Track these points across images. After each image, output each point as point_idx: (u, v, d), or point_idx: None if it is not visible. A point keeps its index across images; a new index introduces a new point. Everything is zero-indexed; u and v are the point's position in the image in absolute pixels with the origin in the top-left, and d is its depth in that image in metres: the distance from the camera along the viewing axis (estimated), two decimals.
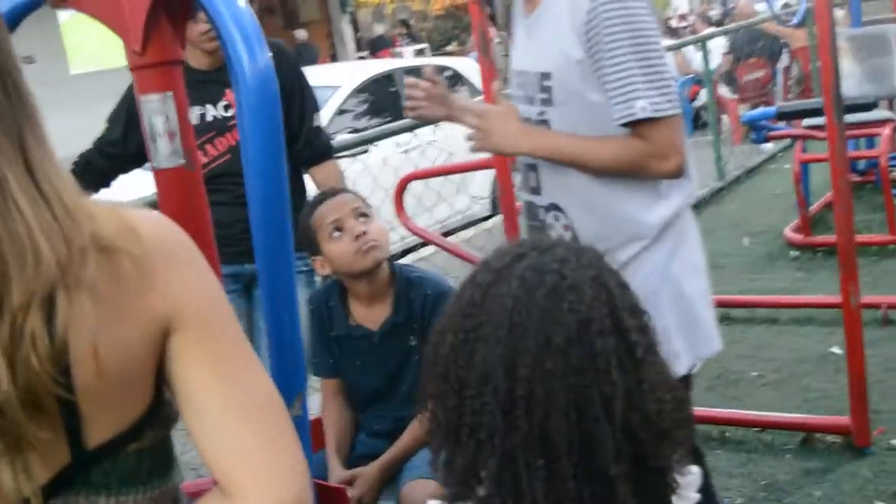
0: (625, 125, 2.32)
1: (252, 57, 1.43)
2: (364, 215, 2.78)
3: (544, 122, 2.47)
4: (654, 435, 1.26)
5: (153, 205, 3.24)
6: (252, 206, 1.50)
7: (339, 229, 2.75)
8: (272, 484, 1.12)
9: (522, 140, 2.46)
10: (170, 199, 1.60)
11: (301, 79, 3.32)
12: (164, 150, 1.56)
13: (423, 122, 2.88)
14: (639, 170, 2.37)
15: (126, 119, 3.20)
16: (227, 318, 1.17)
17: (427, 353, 1.38)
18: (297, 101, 3.24)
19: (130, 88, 3.17)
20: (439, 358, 1.33)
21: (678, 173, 2.39)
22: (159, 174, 1.58)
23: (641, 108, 2.27)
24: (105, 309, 1.04)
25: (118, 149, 3.25)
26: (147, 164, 1.63)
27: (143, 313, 1.08)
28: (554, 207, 2.53)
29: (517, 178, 2.91)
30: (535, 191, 2.58)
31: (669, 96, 2.32)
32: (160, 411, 1.14)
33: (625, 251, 2.40)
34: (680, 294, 2.45)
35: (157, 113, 1.54)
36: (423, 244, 5.89)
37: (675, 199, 2.47)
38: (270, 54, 1.48)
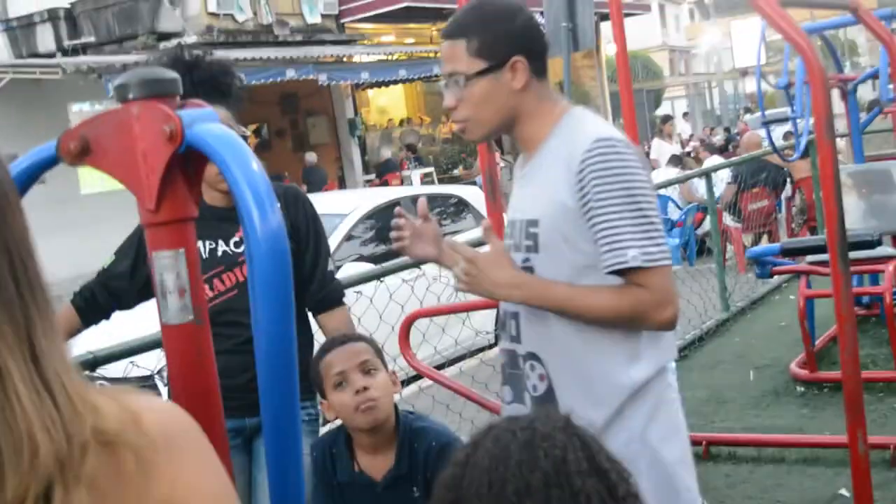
0: (616, 272, 2.32)
1: (264, 219, 1.44)
2: (371, 369, 2.78)
3: (528, 270, 2.46)
4: None
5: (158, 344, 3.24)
6: (260, 366, 1.49)
7: (342, 381, 2.76)
8: None
9: (515, 288, 2.42)
10: (177, 353, 1.59)
11: (317, 224, 3.33)
12: (174, 307, 1.56)
13: (409, 258, 2.85)
14: (637, 318, 2.36)
15: (135, 254, 3.21)
16: None
17: None
18: (311, 245, 3.25)
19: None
20: None
21: (673, 322, 2.39)
22: (168, 329, 1.57)
23: (633, 256, 2.28)
24: (102, 503, 1.02)
25: (124, 283, 3.24)
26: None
27: None
28: (532, 357, 2.51)
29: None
30: (515, 339, 2.56)
31: (661, 247, 2.34)
32: None
33: (599, 412, 2.37)
34: (658, 461, 2.41)
35: (169, 270, 1.55)
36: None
37: (651, 362, 2.45)
38: (280, 208, 1.49)
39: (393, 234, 2.74)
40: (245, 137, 3.09)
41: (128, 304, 3.31)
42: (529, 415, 1.40)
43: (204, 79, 2.97)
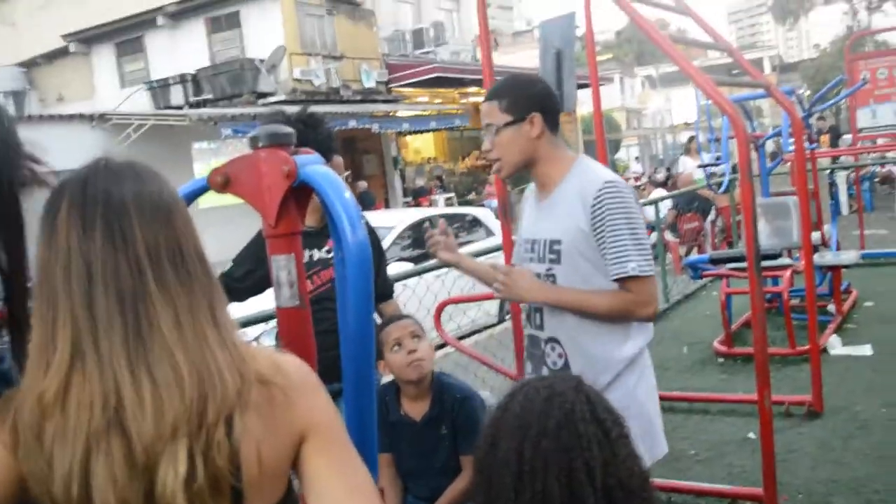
0: (617, 280, 2.35)
1: (354, 233, 1.47)
2: (417, 337, 2.81)
3: (550, 276, 2.49)
4: (626, 495, 1.29)
5: (268, 318, 3.24)
6: (346, 339, 1.52)
7: (398, 345, 2.79)
8: None
9: (538, 292, 2.47)
10: (288, 328, 1.62)
11: (377, 241, 3.35)
12: (286, 295, 1.59)
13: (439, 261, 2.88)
14: (626, 315, 2.40)
15: (249, 262, 3.21)
16: (341, 428, 1.20)
17: (474, 458, 1.41)
18: (375, 256, 3.22)
19: (256, 237, 3.19)
20: (476, 461, 1.40)
21: (653, 317, 2.44)
22: (281, 311, 1.61)
23: (632, 267, 2.32)
24: (263, 424, 1.08)
25: (239, 283, 3.21)
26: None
27: (287, 427, 1.12)
28: (552, 340, 2.54)
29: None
30: (539, 327, 2.58)
31: (650, 262, 2.37)
32: (291, 494, 1.17)
33: (603, 377, 2.41)
34: (643, 411, 2.47)
35: (283, 269, 1.58)
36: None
37: (638, 341, 2.49)
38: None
39: (429, 240, 2.77)
40: (346, 179, 3.14)
41: (240, 298, 3.26)
42: (551, 377, 1.43)
43: (323, 137, 3.00)
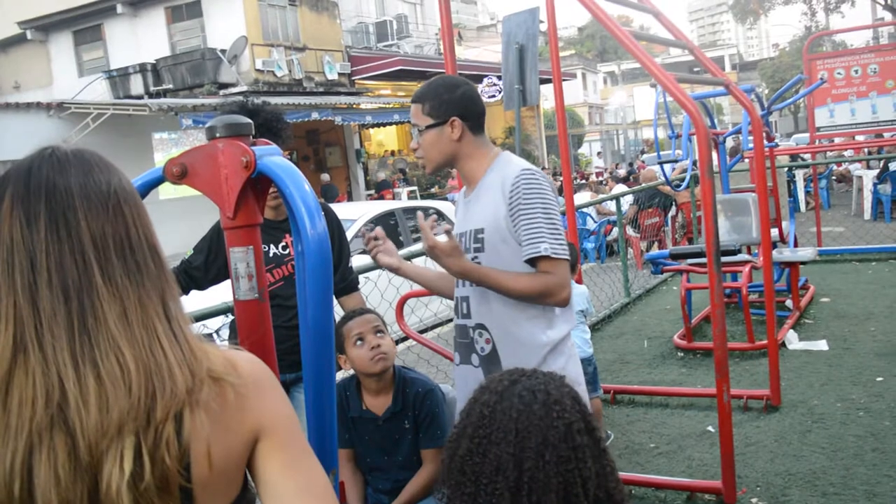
0: (530, 261, 2.45)
1: (313, 226, 1.44)
2: (380, 332, 2.79)
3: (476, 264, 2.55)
4: None
5: (229, 310, 3.19)
6: (306, 333, 1.49)
7: (360, 339, 2.76)
8: None
9: (461, 263, 2.50)
10: (246, 321, 1.59)
11: (341, 232, 3.32)
12: (245, 287, 1.56)
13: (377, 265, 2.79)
14: (541, 296, 2.47)
15: (207, 251, 3.17)
16: (296, 428, 1.17)
17: (445, 454, 1.38)
18: (336, 246, 3.21)
19: (215, 226, 3.15)
20: (457, 457, 1.34)
21: (567, 301, 2.51)
22: (239, 304, 1.58)
23: (545, 248, 2.42)
24: (215, 423, 1.05)
25: (200, 272, 3.20)
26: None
27: (240, 426, 1.09)
28: (480, 326, 2.61)
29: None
30: (466, 315, 2.65)
31: (563, 246, 2.47)
32: (246, 496, 1.14)
33: (530, 361, 2.45)
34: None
35: (241, 261, 1.55)
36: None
37: (560, 328, 2.56)
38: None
39: (369, 244, 2.74)
40: None
41: (201, 286, 3.25)
42: (542, 378, 1.37)
43: (262, 122, 2.95)
